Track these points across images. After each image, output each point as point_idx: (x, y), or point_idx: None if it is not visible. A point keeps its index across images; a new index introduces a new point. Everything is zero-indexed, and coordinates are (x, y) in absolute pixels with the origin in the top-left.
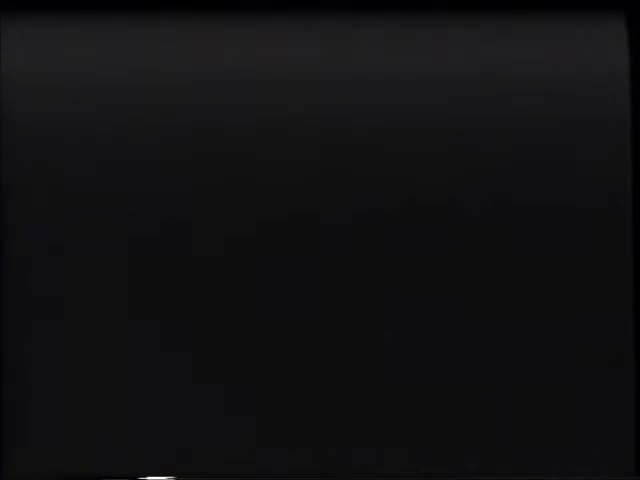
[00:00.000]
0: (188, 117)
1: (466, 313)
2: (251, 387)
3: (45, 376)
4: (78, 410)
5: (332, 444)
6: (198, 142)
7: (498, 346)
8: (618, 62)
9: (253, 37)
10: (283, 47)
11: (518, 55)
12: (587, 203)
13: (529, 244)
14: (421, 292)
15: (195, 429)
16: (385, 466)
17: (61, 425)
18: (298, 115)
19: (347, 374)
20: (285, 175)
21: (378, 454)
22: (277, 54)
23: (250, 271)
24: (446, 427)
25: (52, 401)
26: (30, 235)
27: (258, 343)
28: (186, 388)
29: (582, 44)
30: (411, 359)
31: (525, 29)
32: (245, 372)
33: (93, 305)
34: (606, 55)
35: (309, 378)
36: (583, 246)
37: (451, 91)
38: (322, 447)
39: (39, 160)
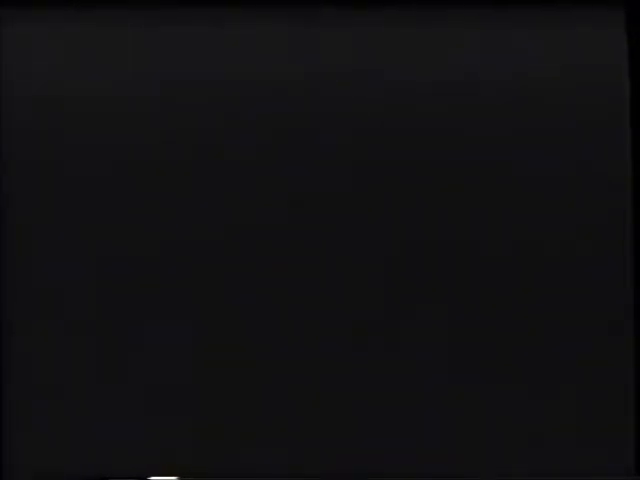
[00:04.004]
0: (190, 116)
1: (465, 313)
2: (251, 387)
3: (46, 375)
4: (79, 410)
5: (331, 444)
6: (199, 141)
7: (498, 345)
8: (617, 60)
9: (253, 36)
10: (283, 46)
11: (515, 53)
12: (587, 203)
13: (528, 244)
14: (420, 287)
15: (195, 429)
16: (385, 466)
17: (61, 425)
18: (299, 113)
19: (347, 374)
20: (286, 175)
21: (378, 454)
22: (276, 53)
23: (250, 271)
24: (446, 427)
25: (53, 401)
26: (30, 235)
27: (257, 342)
28: (187, 388)
29: (580, 41)
30: (409, 359)
31: (522, 26)
32: (245, 372)
33: (94, 305)
34: (605, 53)
35: (308, 378)
36: (583, 246)
37: (449, 89)
38: (323, 447)
39: (39, 160)
